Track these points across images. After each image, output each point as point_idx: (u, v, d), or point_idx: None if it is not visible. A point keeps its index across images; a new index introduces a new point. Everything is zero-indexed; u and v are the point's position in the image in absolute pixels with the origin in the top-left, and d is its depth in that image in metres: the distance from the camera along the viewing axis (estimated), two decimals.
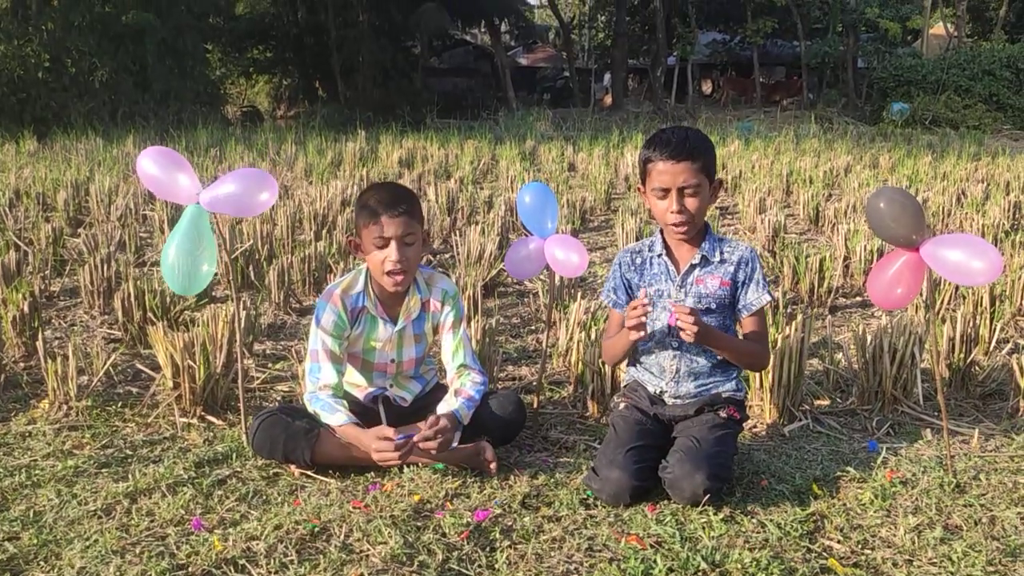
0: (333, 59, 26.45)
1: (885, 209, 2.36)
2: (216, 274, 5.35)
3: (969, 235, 2.40)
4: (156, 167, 2.74)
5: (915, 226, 2.35)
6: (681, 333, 2.51)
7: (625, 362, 2.88)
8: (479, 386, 2.81)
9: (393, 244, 2.66)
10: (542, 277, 5.33)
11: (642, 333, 2.54)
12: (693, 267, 2.70)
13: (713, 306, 2.69)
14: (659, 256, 2.74)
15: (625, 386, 2.88)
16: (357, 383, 2.91)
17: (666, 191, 2.60)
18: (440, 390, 2.97)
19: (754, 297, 2.70)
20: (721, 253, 2.71)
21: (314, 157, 11.75)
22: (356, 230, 2.77)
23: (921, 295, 2.70)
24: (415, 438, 2.54)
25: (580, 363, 3.37)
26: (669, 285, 2.71)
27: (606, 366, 3.23)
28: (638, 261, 2.78)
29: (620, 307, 2.79)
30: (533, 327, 4.59)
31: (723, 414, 2.66)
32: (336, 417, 2.65)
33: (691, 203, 2.61)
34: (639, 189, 2.74)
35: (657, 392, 2.75)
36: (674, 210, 2.60)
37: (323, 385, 2.72)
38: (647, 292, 2.57)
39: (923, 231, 2.37)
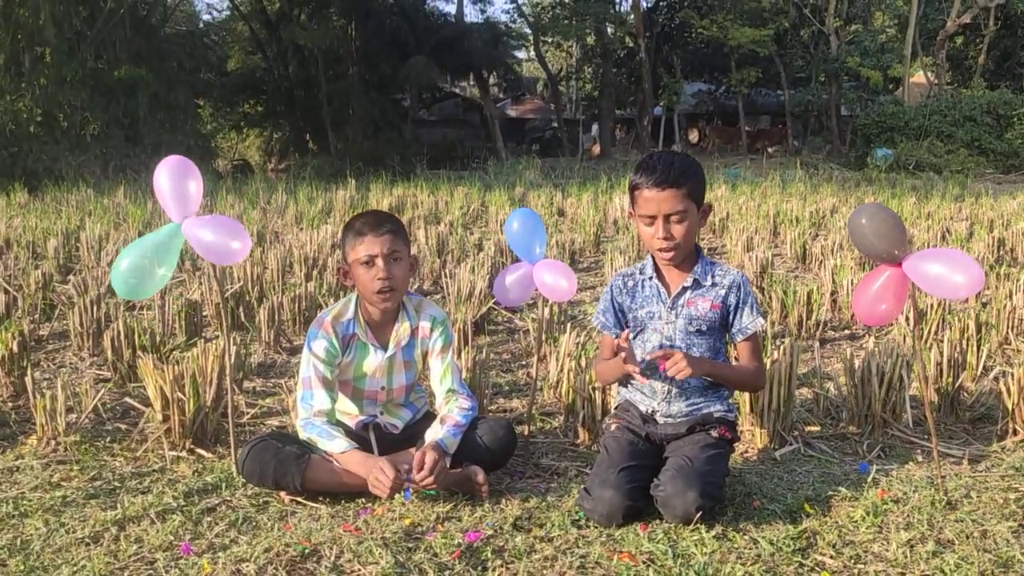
0: (323, 112, 26.79)
1: (867, 225, 2.40)
2: (205, 316, 5.37)
3: (951, 249, 2.44)
4: (171, 177, 2.78)
5: (897, 241, 2.38)
6: (674, 375, 2.53)
7: (617, 384, 2.89)
8: (467, 411, 2.81)
9: (380, 261, 2.70)
10: (533, 316, 5.36)
11: (635, 370, 2.58)
12: (684, 289, 2.72)
13: (704, 328, 2.71)
14: (650, 279, 2.77)
15: (617, 407, 2.88)
16: (348, 411, 2.91)
17: (653, 218, 2.63)
18: (430, 418, 2.97)
19: (748, 321, 2.73)
20: (713, 276, 2.74)
21: (304, 205, 11.82)
22: (344, 256, 2.81)
23: (908, 322, 2.73)
24: (413, 476, 2.54)
25: (571, 391, 3.37)
26: (660, 307, 2.73)
27: (596, 392, 3.24)
28: (630, 284, 2.81)
29: (609, 329, 2.82)
30: (523, 362, 4.59)
31: (714, 434, 2.67)
32: (336, 444, 2.65)
33: (677, 230, 2.63)
34: (629, 213, 2.78)
35: (649, 411, 2.75)
36: (660, 236, 2.63)
37: (317, 411, 2.72)
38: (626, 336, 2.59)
39: (905, 246, 2.40)
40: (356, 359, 2.85)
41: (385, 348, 2.86)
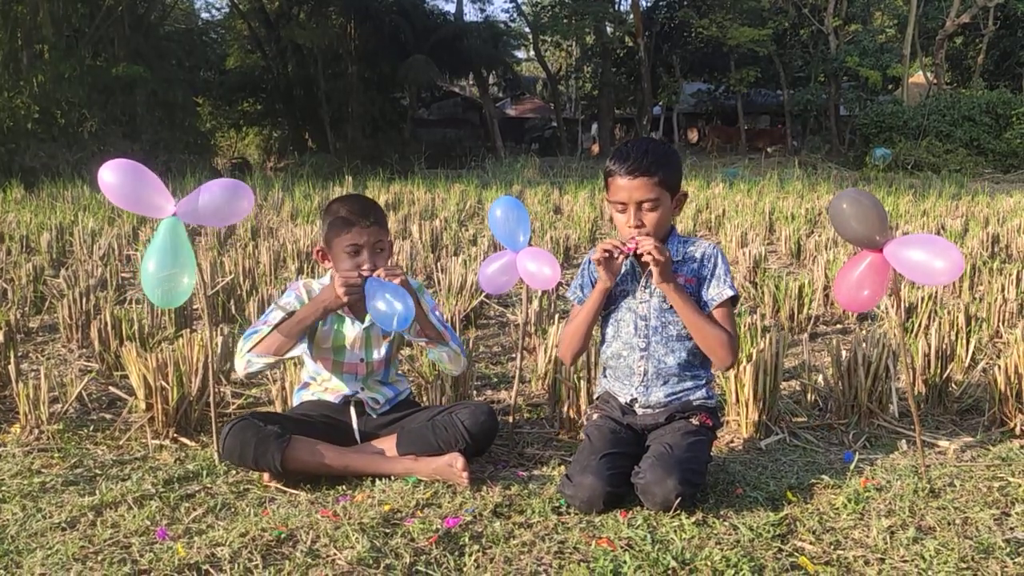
0: (322, 111, 26.79)
1: (848, 210, 2.38)
2: (196, 308, 5.35)
3: (931, 235, 2.43)
4: (120, 178, 2.73)
5: (878, 226, 2.37)
6: (645, 256, 2.52)
7: (599, 375, 2.87)
8: (454, 335, 2.93)
9: (366, 252, 2.77)
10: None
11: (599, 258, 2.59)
12: None
13: None
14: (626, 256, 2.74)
15: (597, 398, 2.87)
16: (331, 386, 2.94)
17: (624, 205, 2.62)
18: (411, 403, 2.99)
19: (716, 292, 2.67)
20: (685, 252, 2.72)
21: (301, 202, 11.81)
22: (324, 240, 2.82)
23: (897, 314, 2.71)
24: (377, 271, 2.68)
25: (556, 380, 3.36)
26: (635, 285, 2.72)
27: (582, 381, 3.22)
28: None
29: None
30: (513, 355, 4.58)
31: (695, 421, 2.65)
32: (267, 329, 2.73)
33: (649, 218, 2.61)
34: (605, 199, 2.77)
35: (628, 401, 2.74)
36: (631, 224, 2.61)
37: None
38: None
39: (886, 232, 2.39)
40: (333, 331, 2.90)
41: (362, 320, 2.90)
